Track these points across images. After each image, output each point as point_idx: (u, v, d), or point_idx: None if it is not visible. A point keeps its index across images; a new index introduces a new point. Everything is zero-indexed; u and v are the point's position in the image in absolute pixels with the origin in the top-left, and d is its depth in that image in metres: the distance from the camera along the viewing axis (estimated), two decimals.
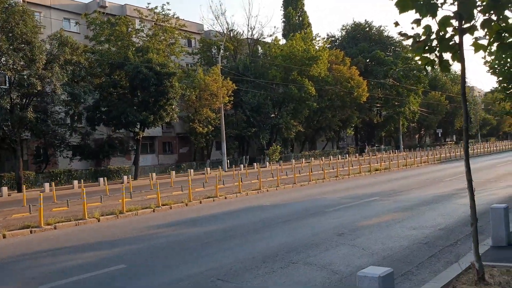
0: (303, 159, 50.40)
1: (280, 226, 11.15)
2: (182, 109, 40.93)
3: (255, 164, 44.05)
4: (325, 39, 62.51)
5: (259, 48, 56.34)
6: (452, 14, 5.15)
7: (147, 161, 46.77)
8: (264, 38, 52.80)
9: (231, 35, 50.53)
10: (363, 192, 17.73)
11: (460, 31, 5.15)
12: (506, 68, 11.53)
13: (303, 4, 65.24)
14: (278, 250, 8.43)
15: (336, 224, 11.02)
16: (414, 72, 70.15)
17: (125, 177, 31.49)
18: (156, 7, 39.44)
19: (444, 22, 5.19)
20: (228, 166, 41.98)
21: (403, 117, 70.08)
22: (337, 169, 25.11)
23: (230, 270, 7.27)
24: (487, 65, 11.85)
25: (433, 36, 5.28)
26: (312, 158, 52.19)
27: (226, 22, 56.99)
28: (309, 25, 63.40)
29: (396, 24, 5.38)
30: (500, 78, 11.72)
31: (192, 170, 36.36)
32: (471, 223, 5.31)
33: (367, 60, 66.84)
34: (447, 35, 5.25)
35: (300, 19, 63.41)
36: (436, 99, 76.85)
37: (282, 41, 57.58)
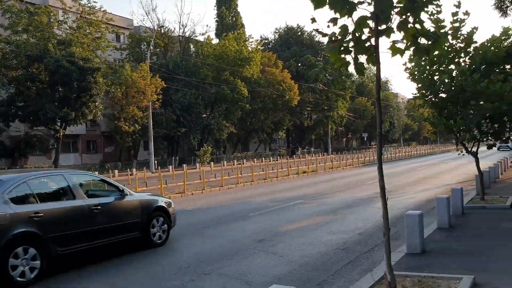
0: (235, 161, 50.10)
1: (199, 232, 10.60)
2: (107, 106, 39.04)
3: (184, 165, 42.96)
4: (258, 41, 62.71)
5: (191, 47, 55.37)
6: (369, 15, 4.91)
7: (69, 161, 44.13)
8: (196, 36, 51.99)
9: (162, 31, 49.10)
10: (289, 195, 17.62)
11: (376, 33, 4.92)
12: (424, 75, 11.82)
13: (237, 4, 65.15)
14: (191, 261, 7.88)
15: (257, 229, 10.67)
16: (343, 77, 72.87)
17: None
18: None
19: (361, 23, 4.94)
20: (156, 167, 40.64)
21: (331, 121, 72.13)
22: (266, 172, 25.00)
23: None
24: (407, 71, 12.10)
25: (350, 36, 5.01)
26: (244, 160, 52.06)
27: (157, 18, 55.41)
28: (242, 25, 63.40)
29: (313, 20, 5.05)
30: (420, 85, 12.02)
31: (116, 171, 34.68)
32: (383, 232, 5.10)
33: (299, 64, 68.12)
34: (364, 37, 5.00)
35: (234, 19, 63.26)
36: (363, 105, 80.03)
37: (215, 41, 57.09)
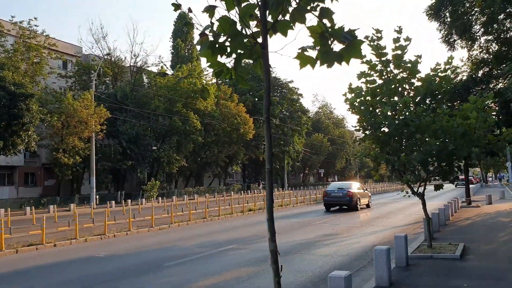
0: (186, 196, 47.74)
1: None
2: (45, 136, 36.28)
3: (129, 200, 40.25)
4: (212, 76, 61.63)
5: (144, 78, 53.60)
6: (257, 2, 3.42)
7: (4, 194, 40.54)
8: (148, 66, 50.25)
9: (112, 60, 47.15)
10: (224, 237, 15.79)
11: (264, 25, 3.41)
12: (365, 106, 10.57)
13: (193, 37, 64.30)
14: None
15: (166, 286, 8.76)
16: (299, 113, 72.67)
17: None
18: (21, 21, 35.11)
19: (246, 12, 3.44)
20: (97, 203, 37.86)
21: (288, 156, 71.29)
22: (205, 210, 23.02)
23: None
24: (347, 102, 10.83)
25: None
26: (196, 195, 49.85)
27: (108, 47, 53.26)
28: (198, 58, 62.29)
29: (177, 7, 3.50)
30: (360, 117, 10.75)
31: (52, 206, 31.56)
32: None
33: (256, 99, 67.43)
34: (248, 32, 3.48)
35: (189, 52, 62.19)
36: (319, 141, 79.98)
37: (170, 72, 55.54)
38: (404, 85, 10.63)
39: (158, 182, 44.74)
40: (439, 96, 10.16)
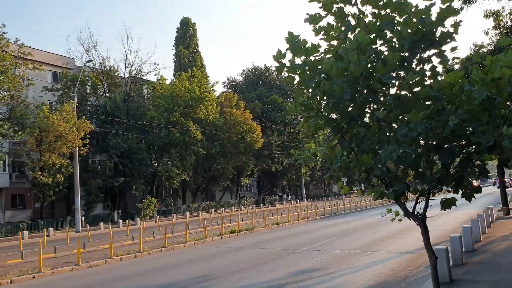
0: (188, 213, 43.65)
1: None
2: (20, 154, 32.99)
3: (121, 221, 36.47)
4: (215, 82, 58.04)
5: (144, 88, 50.18)
6: None
7: None
8: (143, 75, 46.72)
9: (103, 69, 43.82)
10: (166, 278, 11.47)
11: None
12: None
13: (197, 44, 60.87)
14: None
15: None
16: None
17: None
18: None
19: None
20: (83, 225, 34.29)
21: (305, 164, 66.40)
22: (186, 233, 18.75)
23: None
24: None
25: None
26: (199, 212, 45.70)
27: (102, 56, 49.98)
28: (202, 66, 58.69)
29: None
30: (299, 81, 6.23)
31: (26, 232, 27.97)
32: None
33: (265, 106, 63.16)
34: None
35: (193, 59, 58.62)
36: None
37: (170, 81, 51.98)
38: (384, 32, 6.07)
39: (155, 199, 40.80)
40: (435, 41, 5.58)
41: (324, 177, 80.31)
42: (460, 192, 5.76)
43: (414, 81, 5.22)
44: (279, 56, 5.77)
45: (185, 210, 45.99)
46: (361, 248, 14.90)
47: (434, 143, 5.45)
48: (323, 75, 5.72)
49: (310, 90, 5.88)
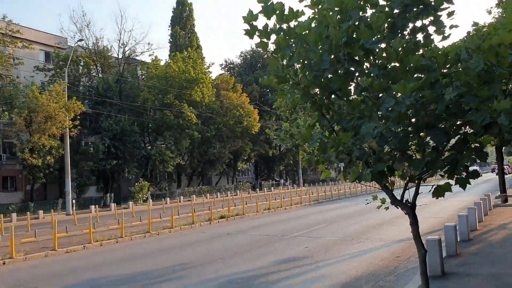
0: (182, 197, 43.10)
1: None
2: (8, 135, 32.27)
3: (113, 204, 35.95)
4: (211, 63, 56.98)
5: (138, 69, 49.16)
6: None
7: None
8: (137, 55, 45.67)
9: (97, 49, 42.76)
10: (129, 270, 10.84)
11: None
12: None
13: (193, 24, 59.56)
14: None
15: None
16: None
17: None
18: None
19: None
20: (75, 208, 33.80)
21: (302, 149, 65.67)
22: (172, 218, 18.09)
23: None
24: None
25: None
26: (193, 196, 45.14)
27: (95, 36, 48.72)
28: (198, 47, 57.51)
29: None
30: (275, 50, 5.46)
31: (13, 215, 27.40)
32: None
33: (263, 89, 62.18)
34: None
35: (189, 40, 57.42)
36: None
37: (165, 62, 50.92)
38: None
39: (147, 183, 40.20)
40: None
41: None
42: (455, 178, 5.04)
43: (403, 47, 4.46)
44: (250, 17, 5.00)
45: (179, 194, 45.47)
46: (351, 235, 14.28)
47: (426, 121, 4.72)
48: (301, 42, 4.96)
49: (286, 60, 5.13)
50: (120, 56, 45.04)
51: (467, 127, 4.76)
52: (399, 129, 4.62)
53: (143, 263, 11.42)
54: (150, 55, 48.96)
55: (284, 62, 5.18)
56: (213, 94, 48.55)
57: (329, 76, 4.81)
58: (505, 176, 50.58)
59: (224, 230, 17.26)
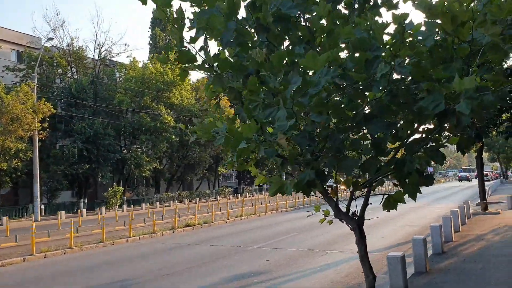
0: (158, 203, 41.67)
1: None
2: None
3: (84, 210, 34.57)
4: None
5: (116, 70, 47.72)
6: None
7: None
8: (113, 56, 44.25)
9: (71, 49, 41.24)
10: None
11: None
12: None
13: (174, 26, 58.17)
14: None
15: None
16: None
17: None
18: None
19: None
20: (45, 214, 32.51)
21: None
22: (130, 226, 16.74)
23: None
24: None
25: None
26: (171, 202, 43.80)
27: (70, 36, 47.09)
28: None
29: None
30: None
31: None
32: None
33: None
34: None
35: (169, 41, 56.12)
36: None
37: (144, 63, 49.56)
38: None
39: (121, 188, 38.72)
40: None
41: None
42: (402, 185, 3.96)
43: (330, 15, 3.37)
44: None
45: (157, 200, 44.04)
46: (319, 246, 13.19)
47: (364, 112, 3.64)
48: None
49: (193, 32, 4.02)
50: (96, 57, 43.60)
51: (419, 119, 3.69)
52: (331, 122, 3.52)
53: (81, 278, 10.18)
54: (128, 56, 47.63)
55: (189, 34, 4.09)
56: (192, 97, 47.31)
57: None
58: (488, 182, 49.81)
59: (187, 240, 16.04)
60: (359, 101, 3.49)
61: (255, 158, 4.82)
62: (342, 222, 4.99)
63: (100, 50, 43.50)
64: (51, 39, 35.90)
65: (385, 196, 4.51)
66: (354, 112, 3.51)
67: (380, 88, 3.13)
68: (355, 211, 4.91)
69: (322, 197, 4.75)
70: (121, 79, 46.45)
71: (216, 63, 3.89)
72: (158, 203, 41.54)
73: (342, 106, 3.47)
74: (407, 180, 3.82)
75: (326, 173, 3.86)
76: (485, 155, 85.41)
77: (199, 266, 11.06)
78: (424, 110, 3.17)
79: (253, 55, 3.43)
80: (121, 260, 12.42)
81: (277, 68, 3.23)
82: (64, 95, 38.62)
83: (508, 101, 11.40)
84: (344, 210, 4.86)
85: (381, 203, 4.59)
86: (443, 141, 3.81)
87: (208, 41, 4.05)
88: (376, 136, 3.63)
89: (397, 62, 3.19)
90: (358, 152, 3.87)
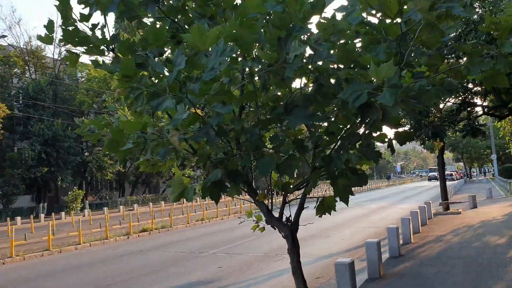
0: (122, 206, 40.39)
1: None
2: None
3: (42, 215, 33.10)
4: None
5: (78, 71, 46.11)
6: None
7: None
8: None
9: (29, 48, 39.59)
10: None
11: None
12: None
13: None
14: None
15: None
16: None
17: None
18: None
19: None
20: (3, 219, 30.97)
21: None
22: (80, 233, 15.79)
23: None
24: None
25: None
26: (136, 205, 42.56)
27: (28, 35, 45.31)
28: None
29: None
30: None
31: None
32: None
33: None
34: None
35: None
36: None
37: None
38: None
39: (82, 192, 37.36)
40: None
41: None
42: (333, 187, 3.46)
43: None
44: None
45: (121, 204, 42.74)
46: (276, 251, 12.66)
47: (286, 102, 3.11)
48: None
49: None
50: (56, 57, 42.02)
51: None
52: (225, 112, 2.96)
53: None
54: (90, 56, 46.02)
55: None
56: None
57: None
58: (453, 182, 50.66)
59: (141, 246, 15.25)
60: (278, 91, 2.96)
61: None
62: (275, 229, 4.46)
63: (60, 49, 41.93)
64: (4, 36, 34.25)
65: (319, 200, 4.02)
66: (271, 102, 2.99)
67: (294, 70, 2.61)
68: (289, 216, 4.39)
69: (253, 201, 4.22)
70: (83, 79, 44.97)
71: (114, 45, 3.29)
72: (122, 206, 40.27)
73: (256, 94, 2.94)
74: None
75: (241, 173, 3.32)
76: (450, 155, 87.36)
77: (148, 275, 10.36)
78: (346, 103, 2.66)
79: (122, 29, 2.86)
80: (65, 270, 11.57)
81: (154, 46, 2.67)
82: (22, 96, 37.00)
83: (455, 91, 10.90)
84: (277, 215, 4.33)
85: (315, 208, 4.11)
86: (375, 137, 3.34)
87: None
88: (296, 129, 3.13)
89: (313, 39, 2.68)
90: (276, 149, 3.34)
